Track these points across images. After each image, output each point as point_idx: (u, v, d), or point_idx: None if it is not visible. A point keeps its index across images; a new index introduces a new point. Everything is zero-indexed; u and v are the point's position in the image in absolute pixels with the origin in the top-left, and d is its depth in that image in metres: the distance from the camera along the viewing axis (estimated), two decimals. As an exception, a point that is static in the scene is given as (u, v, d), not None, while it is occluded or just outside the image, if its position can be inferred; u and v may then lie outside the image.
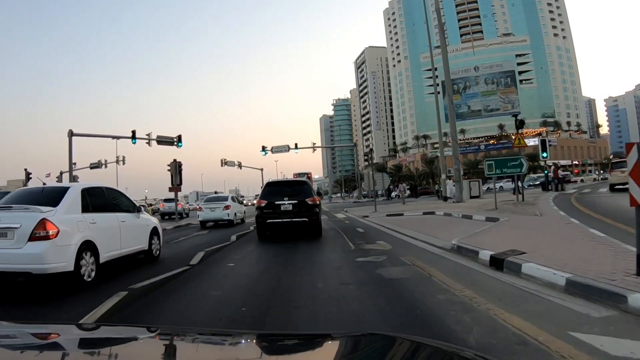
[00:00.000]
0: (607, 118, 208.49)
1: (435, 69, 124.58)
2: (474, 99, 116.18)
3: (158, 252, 8.47)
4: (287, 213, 10.98)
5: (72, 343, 1.21)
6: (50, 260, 5.32)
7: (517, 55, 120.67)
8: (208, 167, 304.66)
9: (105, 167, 35.59)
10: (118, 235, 6.87)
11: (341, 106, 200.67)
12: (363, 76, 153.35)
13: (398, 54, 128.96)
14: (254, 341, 1.34)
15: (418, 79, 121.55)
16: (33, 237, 5.30)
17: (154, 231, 8.33)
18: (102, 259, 6.24)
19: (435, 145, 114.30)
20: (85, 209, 6.25)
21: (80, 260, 5.70)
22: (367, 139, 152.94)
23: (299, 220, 10.94)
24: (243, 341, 1.32)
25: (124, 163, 34.93)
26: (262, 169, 48.03)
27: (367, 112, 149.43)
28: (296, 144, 39.43)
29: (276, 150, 38.91)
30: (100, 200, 6.82)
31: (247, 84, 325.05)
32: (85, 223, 6.08)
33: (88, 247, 5.95)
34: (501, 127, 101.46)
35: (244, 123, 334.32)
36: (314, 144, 40.63)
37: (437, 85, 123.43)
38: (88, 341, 1.25)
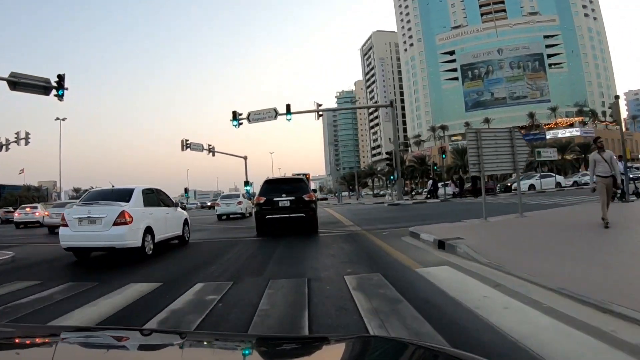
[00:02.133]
0: (627, 111, 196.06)
1: (453, 52, 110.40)
2: (498, 85, 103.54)
3: (188, 237, 11.34)
4: (284, 209, 11.48)
5: (68, 345, 1.22)
6: (127, 239, 8.05)
7: (545, 37, 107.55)
8: (198, 162, 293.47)
9: (7, 149, 23.06)
10: (164, 223, 9.65)
11: (345, 98, 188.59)
12: (370, 63, 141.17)
13: (410, 37, 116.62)
14: (252, 344, 1.33)
15: (433, 63, 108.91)
16: (116, 223, 7.98)
17: (185, 222, 11.24)
18: (156, 240, 8.98)
19: (453, 138, 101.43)
20: (145, 203, 9.01)
21: (144, 239, 8.42)
22: (375, 132, 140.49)
23: (296, 215, 11.44)
24: (240, 344, 1.32)
25: (27, 143, 22.63)
26: (245, 157, 35.97)
27: (375, 103, 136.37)
28: (288, 106, 25.95)
29: (256, 117, 25.77)
30: (153, 197, 9.66)
31: (242, 75, 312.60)
32: (146, 214, 8.78)
33: (148, 230, 8.65)
34: (532, 115, 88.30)
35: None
36: (319, 105, 26.69)
37: (456, 70, 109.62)
38: (85, 344, 1.26)
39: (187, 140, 31.07)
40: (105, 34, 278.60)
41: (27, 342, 1.23)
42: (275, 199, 11.61)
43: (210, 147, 33.43)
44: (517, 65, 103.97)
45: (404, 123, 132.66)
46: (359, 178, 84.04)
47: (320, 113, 26.23)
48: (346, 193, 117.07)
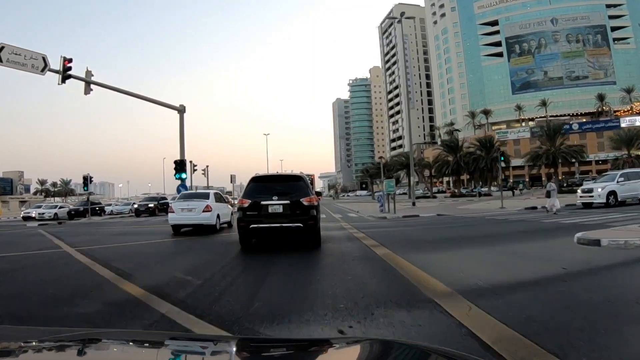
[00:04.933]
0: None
1: (496, 23, 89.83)
2: (553, 62, 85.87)
3: (232, 224, 15.96)
4: (276, 216, 9.24)
5: (65, 347, 1.26)
6: (210, 219, 14.54)
7: (607, 6, 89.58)
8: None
9: None
10: (223, 213, 16.10)
11: (359, 86, 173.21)
12: (390, 42, 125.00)
13: (441, 6, 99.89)
14: (250, 347, 1.35)
15: (471, 36, 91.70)
16: (204, 211, 14.43)
17: (232, 213, 16.64)
18: (221, 221, 15.58)
19: (494, 127, 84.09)
20: (216, 200, 15.66)
21: (216, 221, 14.96)
22: (396, 122, 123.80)
23: (291, 225, 9.18)
24: (238, 347, 1.33)
25: None
26: (181, 108, 20.01)
27: (396, 87, 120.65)
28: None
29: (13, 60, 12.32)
30: (218, 197, 16.60)
31: (247, 63, 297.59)
32: (216, 206, 15.39)
33: (218, 216, 15.13)
34: (601, 98, 70.42)
35: (244, 109, 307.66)
36: None
37: (500, 44, 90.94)
38: (81, 346, 1.28)
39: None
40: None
41: (27, 344, 1.24)
42: (263, 203, 9.28)
43: (88, 75, 17.17)
44: (575, 38, 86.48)
45: (430, 111, 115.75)
46: (376, 173, 66.23)
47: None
48: (363, 192, 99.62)
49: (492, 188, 58.15)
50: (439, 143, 73.03)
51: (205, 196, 15.37)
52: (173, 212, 14.67)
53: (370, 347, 1.23)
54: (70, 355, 1.19)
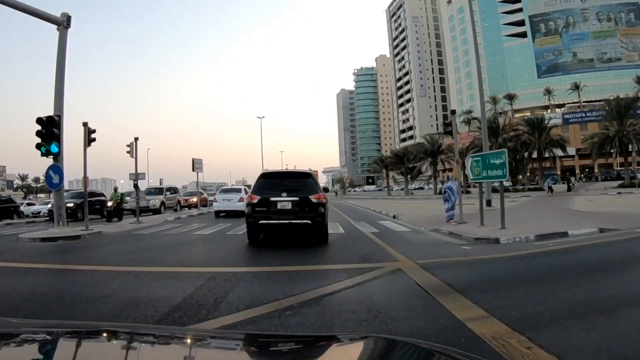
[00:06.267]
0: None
1: (518, 0, 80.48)
2: (582, 43, 78.64)
3: None
4: (284, 213, 9.48)
5: (64, 342, 1.26)
6: (242, 207, 14.84)
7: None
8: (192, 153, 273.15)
9: None
10: None
11: (365, 76, 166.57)
12: (399, 25, 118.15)
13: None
14: (256, 343, 1.40)
15: (491, 15, 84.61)
16: (238, 201, 20.89)
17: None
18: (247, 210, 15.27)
19: (518, 115, 77.18)
20: (246, 193, 18.82)
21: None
22: (406, 111, 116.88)
23: (300, 222, 9.42)
24: (243, 343, 1.38)
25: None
26: (60, 21, 13.36)
27: (406, 74, 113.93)
28: None
29: None
30: (245, 191, 21.58)
31: (244, 55, 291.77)
32: (245, 197, 14.87)
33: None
34: (639, 80, 63.27)
35: (242, 100, 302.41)
36: None
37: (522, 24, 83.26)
38: (81, 340, 1.29)
39: None
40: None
41: (25, 338, 1.24)
42: (272, 199, 9.49)
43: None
44: (606, 17, 79.27)
45: (443, 99, 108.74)
46: (394, 162, 59.28)
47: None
48: (372, 187, 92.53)
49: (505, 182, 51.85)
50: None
51: (239, 190, 22.55)
52: (217, 201, 21.78)
53: (375, 344, 1.25)
54: (74, 348, 1.18)
